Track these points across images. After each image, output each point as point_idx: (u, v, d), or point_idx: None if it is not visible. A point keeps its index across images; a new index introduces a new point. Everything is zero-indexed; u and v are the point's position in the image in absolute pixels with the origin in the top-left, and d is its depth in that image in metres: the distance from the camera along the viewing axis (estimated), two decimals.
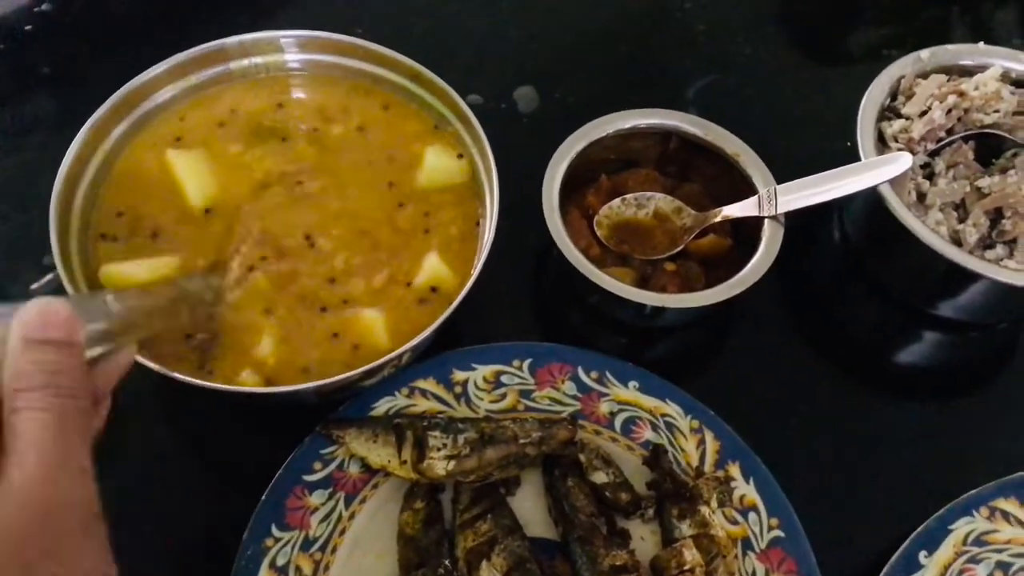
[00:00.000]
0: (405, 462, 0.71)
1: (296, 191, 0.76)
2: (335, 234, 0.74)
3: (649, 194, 0.86)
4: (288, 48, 0.81)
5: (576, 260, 0.77)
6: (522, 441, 0.71)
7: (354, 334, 0.71)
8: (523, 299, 0.88)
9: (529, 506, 0.73)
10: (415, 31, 1.03)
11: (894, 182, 0.78)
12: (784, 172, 0.81)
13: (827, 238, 0.94)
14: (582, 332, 0.87)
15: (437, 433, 0.71)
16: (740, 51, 1.05)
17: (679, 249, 0.84)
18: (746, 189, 0.83)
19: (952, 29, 1.10)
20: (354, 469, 0.73)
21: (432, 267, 0.72)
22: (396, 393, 0.75)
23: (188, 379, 0.64)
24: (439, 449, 0.71)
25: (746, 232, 0.83)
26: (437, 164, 0.78)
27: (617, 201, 0.86)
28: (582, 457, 0.73)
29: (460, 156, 0.79)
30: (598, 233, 0.85)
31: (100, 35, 1.02)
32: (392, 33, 0.86)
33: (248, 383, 0.68)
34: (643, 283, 0.82)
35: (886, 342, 0.89)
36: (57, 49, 1.00)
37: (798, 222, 0.80)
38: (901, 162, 0.76)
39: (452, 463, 0.70)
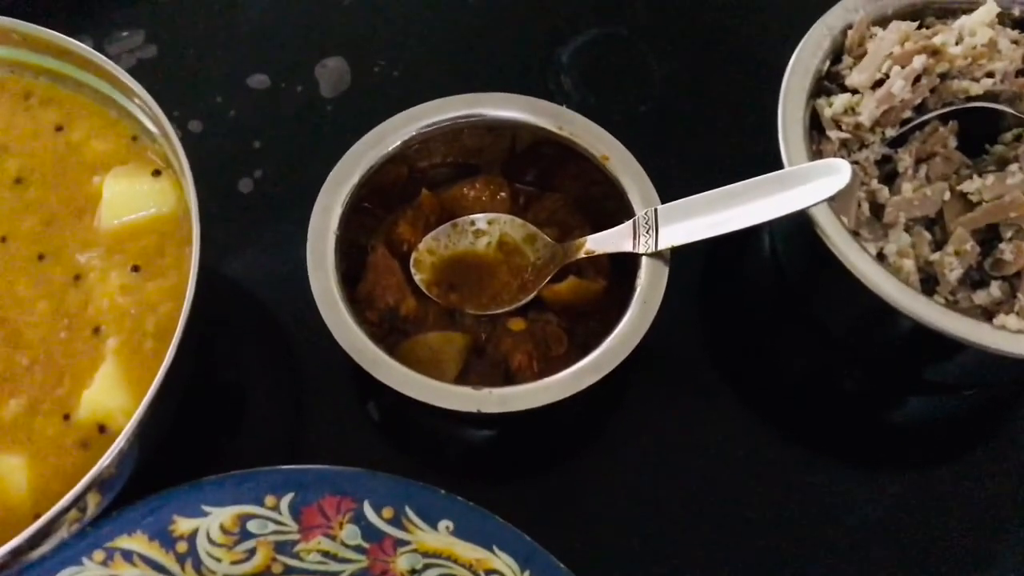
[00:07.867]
0: None
1: None
2: None
3: (490, 216, 0.60)
4: None
5: (346, 338, 0.52)
6: None
7: None
8: (323, 398, 0.62)
9: None
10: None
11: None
12: (695, 175, 0.56)
13: (757, 258, 0.67)
14: (402, 439, 0.62)
15: None
16: None
17: (530, 298, 0.59)
18: (623, 206, 0.57)
19: None
20: None
21: (98, 394, 0.47)
22: (84, 560, 0.51)
23: None
24: None
25: (630, 266, 0.56)
26: (121, 192, 0.53)
27: (444, 228, 0.60)
28: None
29: (157, 173, 0.53)
30: (416, 278, 0.59)
31: None
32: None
33: None
34: (478, 353, 0.59)
35: (844, 407, 0.63)
36: None
37: None
38: (834, 177, 0.48)
39: None
